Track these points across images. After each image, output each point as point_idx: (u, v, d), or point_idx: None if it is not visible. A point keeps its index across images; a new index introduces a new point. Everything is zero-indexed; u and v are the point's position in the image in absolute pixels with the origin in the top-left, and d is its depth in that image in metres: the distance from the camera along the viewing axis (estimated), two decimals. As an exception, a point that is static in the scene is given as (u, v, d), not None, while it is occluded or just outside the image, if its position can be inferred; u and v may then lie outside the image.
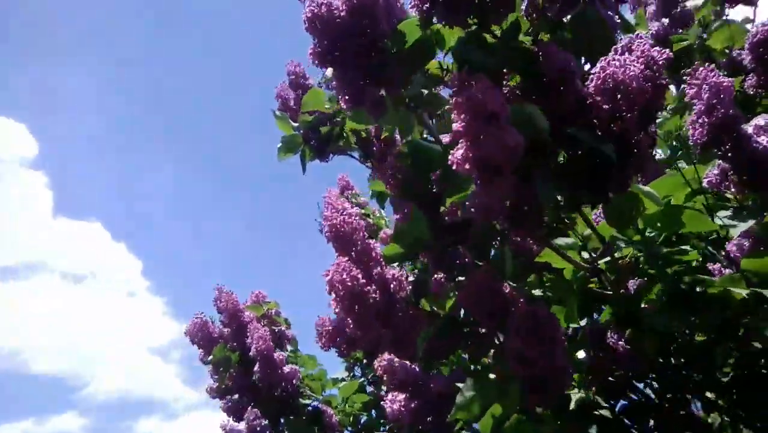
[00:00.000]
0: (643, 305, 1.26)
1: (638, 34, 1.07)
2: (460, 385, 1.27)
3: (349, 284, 1.26)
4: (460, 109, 0.91)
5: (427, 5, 1.11)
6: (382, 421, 2.94)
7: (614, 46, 1.04)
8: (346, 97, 1.30)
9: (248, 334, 2.75)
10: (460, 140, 0.93)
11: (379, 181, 2.57)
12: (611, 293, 1.27)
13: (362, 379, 3.17)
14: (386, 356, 1.79)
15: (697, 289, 1.21)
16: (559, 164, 1.06)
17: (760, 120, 1.34)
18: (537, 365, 1.07)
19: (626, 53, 1.04)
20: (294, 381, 2.69)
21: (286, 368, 2.68)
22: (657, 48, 0.99)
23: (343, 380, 3.25)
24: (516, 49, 1.09)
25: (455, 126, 0.93)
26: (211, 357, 2.85)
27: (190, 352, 2.94)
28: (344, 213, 1.37)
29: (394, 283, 1.35)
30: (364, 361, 3.16)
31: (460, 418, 1.21)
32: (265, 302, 3.16)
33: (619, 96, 0.96)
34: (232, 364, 2.87)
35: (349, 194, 3.53)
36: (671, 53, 0.99)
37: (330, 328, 2.56)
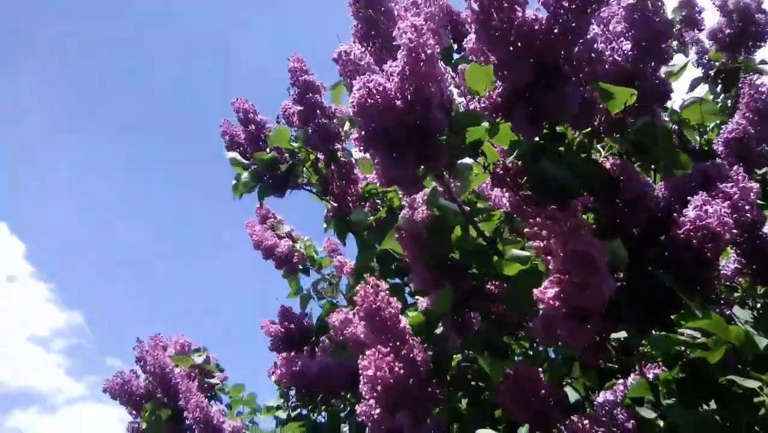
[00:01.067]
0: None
1: (711, 163, 1.08)
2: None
3: (392, 382, 1.20)
4: (560, 254, 0.87)
5: (501, 110, 1.05)
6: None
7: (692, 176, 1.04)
8: (382, 178, 1.22)
9: (180, 396, 2.56)
10: (552, 280, 0.89)
11: (339, 221, 2.49)
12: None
13: (299, 410, 3.06)
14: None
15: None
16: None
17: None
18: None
19: (711, 195, 1.02)
20: (241, 437, 2.53)
21: (228, 427, 2.51)
22: (745, 193, 0.99)
23: (278, 408, 3.13)
24: (594, 166, 1.05)
25: (551, 269, 0.88)
26: (141, 420, 2.65)
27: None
28: (379, 293, 1.28)
29: (424, 365, 1.29)
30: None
31: None
32: (193, 350, 2.98)
33: (709, 244, 0.95)
34: (163, 422, 2.67)
35: (272, 223, 3.41)
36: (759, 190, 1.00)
37: (294, 370, 2.45)
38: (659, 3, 1.09)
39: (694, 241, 0.96)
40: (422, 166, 1.19)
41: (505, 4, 0.92)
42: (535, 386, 1.22)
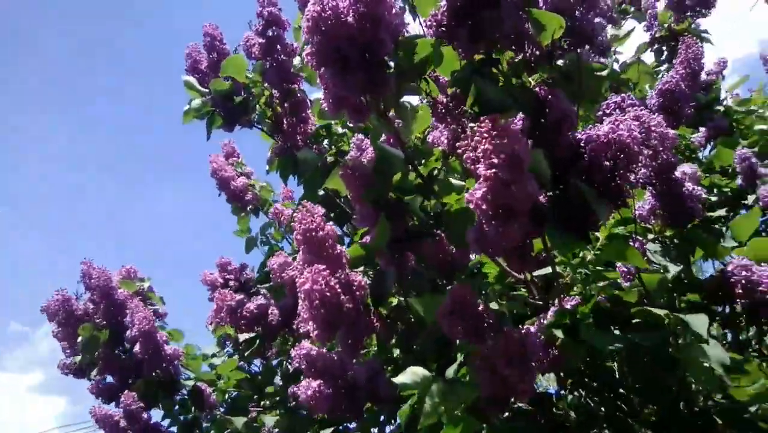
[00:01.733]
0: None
1: (629, 95, 1.18)
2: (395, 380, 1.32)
3: (328, 294, 1.26)
4: (490, 155, 0.94)
5: (444, 32, 1.13)
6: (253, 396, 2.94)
7: (605, 101, 1.14)
8: (330, 101, 1.28)
9: (126, 312, 2.59)
10: (481, 181, 0.97)
11: (284, 160, 2.53)
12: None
13: (236, 356, 3.12)
14: (305, 344, 1.80)
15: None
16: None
17: (685, 168, 1.54)
18: (509, 384, 1.16)
19: (618, 111, 1.13)
20: (176, 362, 2.58)
21: (169, 348, 2.56)
22: (653, 117, 1.10)
23: (213, 355, 3.18)
24: (526, 90, 1.14)
25: (481, 169, 0.96)
26: (80, 338, 2.64)
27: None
28: (317, 217, 1.35)
29: (360, 290, 1.37)
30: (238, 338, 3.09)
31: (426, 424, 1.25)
32: (138, 278, 2.99)
33: (621, 155, 1.05)
34: (100, 343, 2.69)
35: (234, 161, 3.43)
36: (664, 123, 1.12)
37: (231, 303, 2.50)
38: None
39: (608, 152, 1.06)
40: (368, 93, 1.26)
41: None
42: (472, 303, 1.30)
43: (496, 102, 1.11)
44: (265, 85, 2.45)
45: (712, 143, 2.75)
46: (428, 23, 1.15)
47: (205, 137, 2.57)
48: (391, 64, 1.26)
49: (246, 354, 2.87)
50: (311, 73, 2.44)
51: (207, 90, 2.54)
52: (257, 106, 2.52)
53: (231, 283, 3.21)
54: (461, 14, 1.10)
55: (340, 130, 2.57)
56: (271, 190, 3.36)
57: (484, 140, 0.96)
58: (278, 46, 2.38)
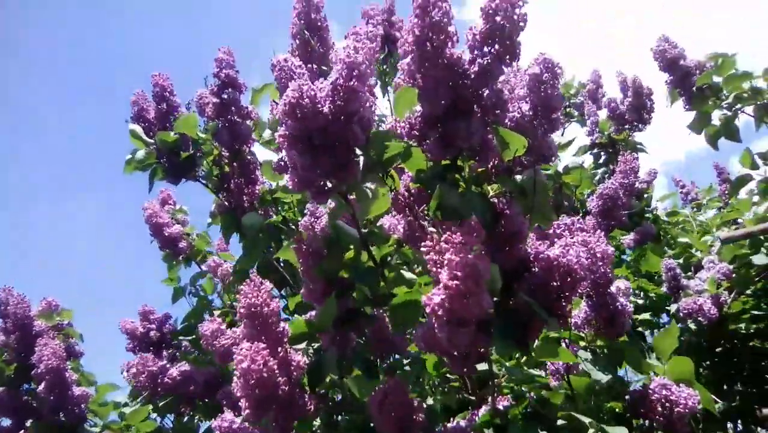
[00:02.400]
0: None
1: (579, 219, 1.26)
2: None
3: (265, 375, 1.24)
4: (455, 267, 0.98)
5: (416, 135, 1.18)
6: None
7: (556, 222, 1.21)
8: (295, 180, 1.30)
9: (36, 347, 2.44)
10: (441, 288, 1.01)
11: (228, 218, 2.51)
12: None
13: (149, 406, 2.98)
14: (228, 416, 1.76)
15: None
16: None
17: (620, 284, 1.63)
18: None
19: (567, 232, 1.20)
20: (83, 405, 2.44)
21: (77, 390, 2.41)
22: (601, 243, 1.17)
23: (125, 404, 3.03)
24: (485, 199, 1.20)
25: (443, 277, 1.00)
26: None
27: None
28: (263, 292, 1.34)
29: (298, 370, 1.36)
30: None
31: None
32: (59, 312, 2.86)
33: (568, 278, 1.12)
34: (4, 378, 2.53)
35: (171, 209, 3.36)
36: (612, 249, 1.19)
37: (153, 369, 2.39)
38: (555, 79, 1.26)
39: (556, 274, 1.13)
40: (333, 179, 1.29)
41: (439, 37, 1.04)
42: (403, 398, 1.32)
43: (457, 208, 1.15)
44: (215, 144, 2.44)
45: (639, 246, 2.93)
46: (402, 125, 1.20)
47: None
48: (358, 152, 1.30)
49: (160, 406, 2.75)
50: (267, 138, 2.47)
51: (152, 141, 2.51)
52: (204, 163, 2.50)
53: (152, 333, 3.09)
54: (434, 122, 1.16)
55: (287, 198, 2.58)
56: (207, 241, 3.30)
57: (450, 251, 1.00)
58: (233, 108, 2.39)
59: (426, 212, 1.40)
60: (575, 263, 1.11)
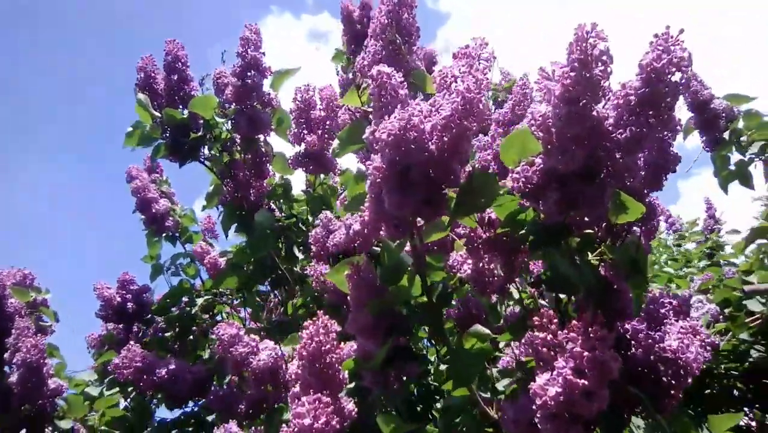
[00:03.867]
0: None
1: (689, 293, 1.16)
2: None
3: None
4: (581, 360, 0.88)
5: (532, 191, 1.06)
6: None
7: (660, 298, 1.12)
8: (375, 214, 1.17)
9: (11, 328, 2.23)
10: (556, 376, 0.90)
11: (232, 210, 2.34)
12: None
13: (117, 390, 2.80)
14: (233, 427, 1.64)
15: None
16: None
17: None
18: None
19: (672, 314, 1.11)
20: (56, 399, 2.25)
21: (52, 383, 2.22)
22: (704, 330, 1.09)
23: (89, 384, 2.83)
24: (596, 272, 1.10)
25: (562, 367, 0.89)
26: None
27: None
28: (331, 335, 1.20)
29: (349, 419, 1.23)
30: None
31: None
32: (34, 288, 2.63)
33: (681, 374, 1.03)
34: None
35: (157, 178, 3.15)
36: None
37: (139, 364, 2.21)
38: (674, 134, 1.17)
39: (670, 369, 1.03)
40: (420, 217, 1.16)
41: (594, 94, 0.93)
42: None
43: (569, 279, 1.05)
44: (229, 129, 2.26)
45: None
46: (515, 176, 1.07)
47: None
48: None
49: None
50: (283, 128, 2.29)
51: (158, 114, 2.30)
52: (214, 147, 2.32)
53: (128, 305, 2.88)
54: (554, 179, 1.04)
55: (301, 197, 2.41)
56: (193, 219, 3.10)
57: (577, 341, 0.89)
58: (255, 93, 2.21)
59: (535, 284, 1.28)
60: (693, 360, 1.02)
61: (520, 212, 1.15)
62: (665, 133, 1.10)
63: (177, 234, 3.04)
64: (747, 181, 2.80)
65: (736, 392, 2.67)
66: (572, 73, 0.91)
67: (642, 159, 1.17)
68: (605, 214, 1.07)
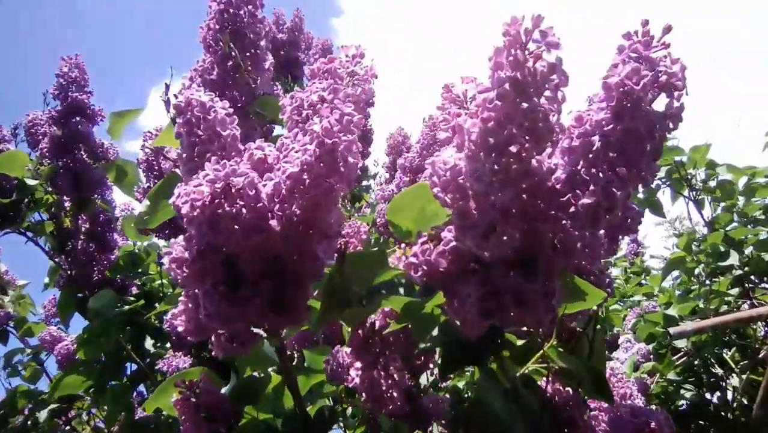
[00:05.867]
0: None
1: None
2: None
3: None
4: None
5: (438, 278, 0.66)
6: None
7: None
8: (194, 325, 0.74)
9: None
10: None
11: (69, 294, 1.82)
12: None
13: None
14: None
15: None
16: None
17: None
18: None
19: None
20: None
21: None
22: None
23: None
24: (538, 399, 0.71)
25: None
26: None
27: None
28: None
29: None
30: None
31: None
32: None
33: None
34: None
35: None
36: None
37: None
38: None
39: None
40: (269, 325, 0.75)
41: (527, 135, 0.54)
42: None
43: (500, 417, 0.65)
44: (51, 190, 1.76)
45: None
46: (410, 258, 0.67)
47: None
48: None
49: None
50: (128, 182, 1.81)
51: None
52: (37, 213, 1.81)
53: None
54: (473, 266, 0.65)
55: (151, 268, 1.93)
56: (31, 304, 2.50)
57: None
58: (81, 144, 1.73)
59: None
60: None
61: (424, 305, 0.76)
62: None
63: (9, 327, 2.43)
64: (658, 209, 2.66)
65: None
66: (499, 103, 0.53)
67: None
68: (550, 312, 0.69)
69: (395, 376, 0.91)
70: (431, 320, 0.74)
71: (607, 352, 2.61)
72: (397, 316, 0.81)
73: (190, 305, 0.74)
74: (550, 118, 0.52)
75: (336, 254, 0.72)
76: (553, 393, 0.76)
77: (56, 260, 1.85)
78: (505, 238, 0.59)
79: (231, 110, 0.75)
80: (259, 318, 0.71)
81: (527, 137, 0.53)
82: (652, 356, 2.48)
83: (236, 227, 0.63)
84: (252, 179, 0.64)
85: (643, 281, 3.19)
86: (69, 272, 1.84)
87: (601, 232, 0.76)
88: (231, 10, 1.08)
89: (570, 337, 0.78)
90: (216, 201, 0.63)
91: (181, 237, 0.68)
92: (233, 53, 1.05)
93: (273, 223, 0.66)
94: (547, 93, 0.52)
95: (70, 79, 1.71)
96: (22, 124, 1.81)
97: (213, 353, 0.79)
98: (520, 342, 0.76)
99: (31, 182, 1.70)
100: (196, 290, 0.71)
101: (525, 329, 0.77)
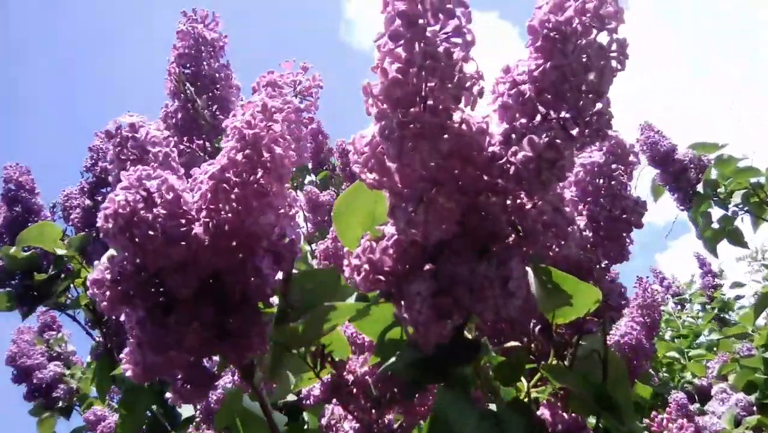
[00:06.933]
0: None
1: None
2: None
3: None
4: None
5: (384, 281, 0.57)
6: None
7: None
8: (138, 366, 0.66)
9: None
10: None
11: (104, 366, 1.80)
12: None
13: None
14: None
15: None
16: None
17: None
18: None
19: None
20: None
21: None
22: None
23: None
24: (522, 408, 0.59)
25: None
26: None
27: None
28: None
29: None
30: None
31: None
32: None
33: None
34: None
35: (51, 337, 2.59)
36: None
37: None
38: (628, 174, 0.70)
39: None
40: (220, 355, 0.67)
41: (439, 78, 0.45)
42: None
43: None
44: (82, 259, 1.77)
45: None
46: (353, 260, 0.58)
47: None
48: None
49: None
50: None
51: (-3, 257, 1.81)
52: (72, 286, 1.82)
53: None
54: (425, 258, 0.55)
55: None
56: (92, 379, 2.52)
57: None
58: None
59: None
60: None
61: (392, 328, 0.66)
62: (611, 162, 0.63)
63: (75, 404, 2.45)
64: (738, 238, 2.36)
65: None
66: (392, 44, 0.45)
67: (585, 215, 0.69)
68: (530, 313, 0.58)
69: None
70: (396, 344, 0.65)
71: (697, 405, 2.33)
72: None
73: (135, 345, 0.67)
74: (453, 56, 0.43)
75: (282, 271, 0.64)
76: (553, 421, 0.63)
77: (93, 333, 1.84)
78: (439, 213, 0.50)
79: (165, 135, 0.70)
80: (201, 347, 0.63)
81: (433, 82, 0.44)
82: (755, 408, 2.18)
83: (154, 234, 0.57)
84: (169, 183, 0.58)
85: (728, 316, 2.90)
86: (107, 345, 1.82)
87: (582, 220, 0.65)
88: (192, 53, 1.09)
89: (561, 348, 0.65)
90: (131, 209, 0.57)
91: (104, 256, 0.62)
92: (189, 93, 1.04)
93: (199, 231, 0.59)
94: (448, 27, 0.44)
95: (101, 150, 1.75)
96: (59, 201, 1.86)
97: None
98: (501, 359, 0.64)
99: (60, 252, 1.71)
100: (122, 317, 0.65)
101: (513, 343, 0.65)
